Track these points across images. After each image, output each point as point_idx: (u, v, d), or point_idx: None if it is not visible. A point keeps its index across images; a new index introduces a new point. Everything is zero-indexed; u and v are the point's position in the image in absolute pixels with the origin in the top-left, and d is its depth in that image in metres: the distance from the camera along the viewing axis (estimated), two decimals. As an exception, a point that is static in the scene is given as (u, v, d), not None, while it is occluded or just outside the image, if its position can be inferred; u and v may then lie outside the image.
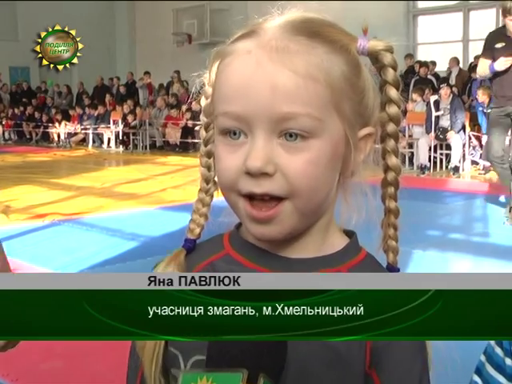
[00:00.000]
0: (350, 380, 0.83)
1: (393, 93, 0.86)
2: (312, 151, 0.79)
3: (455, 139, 11.25)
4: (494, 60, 6.36)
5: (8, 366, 3.23)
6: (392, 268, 0.92)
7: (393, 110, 0.87)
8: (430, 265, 5.22)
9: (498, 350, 1.15)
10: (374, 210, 0.91)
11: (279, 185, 0.79)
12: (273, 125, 0.78)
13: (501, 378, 1.15)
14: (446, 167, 11.63)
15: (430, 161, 11.57)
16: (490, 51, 6.47)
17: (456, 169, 11.17)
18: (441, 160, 11.74)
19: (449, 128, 11.34)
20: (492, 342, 1.17)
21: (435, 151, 11.62)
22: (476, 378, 1.19)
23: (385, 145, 0.89)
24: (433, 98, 11.64)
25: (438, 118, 11.45)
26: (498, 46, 6.35)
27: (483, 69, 6.60)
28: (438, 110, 11.47)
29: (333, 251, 0.89)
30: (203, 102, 0.90)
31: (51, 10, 17.56)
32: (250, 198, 0.81)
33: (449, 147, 11.51)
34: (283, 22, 0.83)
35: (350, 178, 0.87)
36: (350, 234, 0.93)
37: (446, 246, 5.64)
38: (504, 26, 6.48)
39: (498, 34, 6.55)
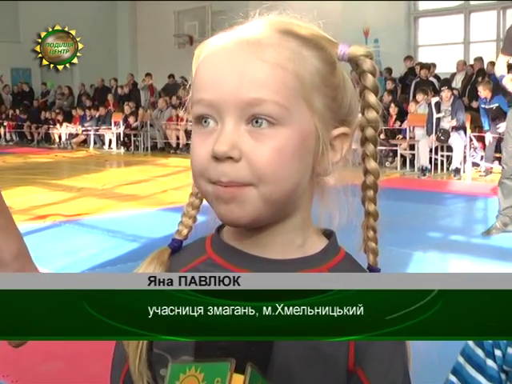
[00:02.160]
0: (332, 378, 0.84)
1: (371, 98, 0.88)
2: (278, 139, 0.81)
3: (456, 141, 11.27)
4: None
5: (8, 367, 3.23)
6: (373, 269, 0.94)
7: (371, 114, 0.89)
8: (431, 266, 5.22)
9: (479, 351, 1.17)
10: (353, 210, 0.92)
11: (244, 171, 0.81)
12: (240, 111, 0.81)
13: (481, 378, 1.17)
14: (447, 169, 11.64)
15: (430, 163, 11.58)
16: (510, 47, 5.74)
17: (457, 170, 11.18)
18: (442, 162, 11.75)
19: (450, 129, 11.36)
20: (471, 343, 1.19)
21: (436, 153, 11.63)
22: (452, 378, 1.20)
23: (364, 149, 0.91)
24: (434, 100, 11.65)
25: (438, 119, 11.46)
26: None
27: (501, 68, 5.83)
28: (439, 111, 11.48)
29: (313, 252, 0.90)
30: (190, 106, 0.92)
31: (53, 12, 17.56)
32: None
33: (450, 149, 11.53)
34: (260, 20, 0.87)
35: (324, 176, 0.88)
36: (328, 233, 0.94)
37: (447, 248, 5.65)
38: None
39: None
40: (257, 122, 0.81)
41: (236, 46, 0.82)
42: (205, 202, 0.94)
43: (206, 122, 0.84)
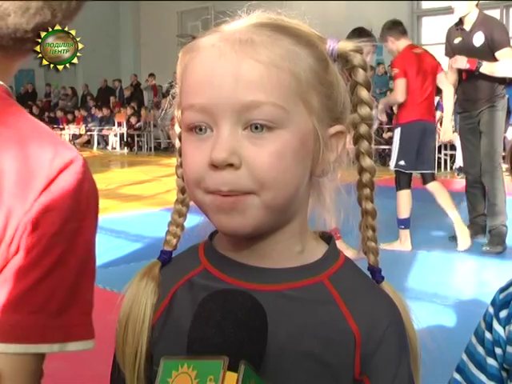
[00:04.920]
0: None
1: (364, 93, 0.85)
2: (278, 143, 0.77)
3: (459, 140, 11.25)
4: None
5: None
6: (373, 269, 0.91)
7: (364, 110, 0.86)
8: (435, 266, 5.22)
9: (480, 349, 1.17)
10: (350, 210, 0.89)
11: (245, 179, 0.77)
12: (237, 115, 0.77)
13: (482, 377, 1.16)
14: (451, 168, 11.62)
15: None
16: (449, 49, 5.88)
17: (460, 169, 11.16)
18: (445, 161, 11.73)
19: (453, 129, 11.33)
20: (474, 341, 1.19)
21: (440, 152, 11.62)
22: (457, 376, 1.20)
23: (358, 146, 0.87)
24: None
25: (441, 118, 11.44)
26: (456, 41, 5.72)
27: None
28: (442, 110, 11.46)
29: (312, 259, 0.87)
30: (176, 112, 0.90)
31: (56, 13, 17.54)
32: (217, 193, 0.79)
33: (453, 148, 11.52)
34: (248, 19, 0.83)
35: (322, 177, 0.85)
36: (326, 237, 0.91)
37: (451, 247, 5.63)
38: (461, 20, 5.62)
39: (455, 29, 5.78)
40: (256, 127, 0.77)
41: (227, 46, 0.78)
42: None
43: (200, 130, 0.79)
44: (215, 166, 0.77)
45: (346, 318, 0.82)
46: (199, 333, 0.74)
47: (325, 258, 0.87)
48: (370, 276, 0.91)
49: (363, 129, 0.86)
